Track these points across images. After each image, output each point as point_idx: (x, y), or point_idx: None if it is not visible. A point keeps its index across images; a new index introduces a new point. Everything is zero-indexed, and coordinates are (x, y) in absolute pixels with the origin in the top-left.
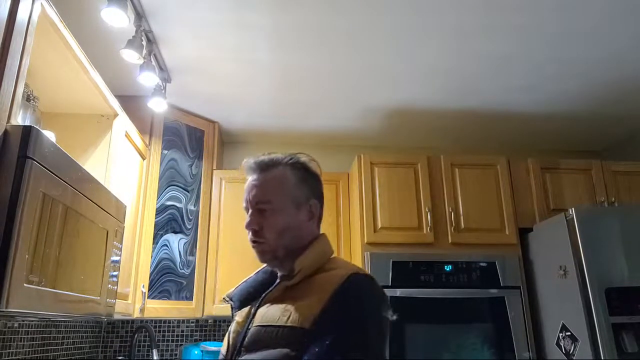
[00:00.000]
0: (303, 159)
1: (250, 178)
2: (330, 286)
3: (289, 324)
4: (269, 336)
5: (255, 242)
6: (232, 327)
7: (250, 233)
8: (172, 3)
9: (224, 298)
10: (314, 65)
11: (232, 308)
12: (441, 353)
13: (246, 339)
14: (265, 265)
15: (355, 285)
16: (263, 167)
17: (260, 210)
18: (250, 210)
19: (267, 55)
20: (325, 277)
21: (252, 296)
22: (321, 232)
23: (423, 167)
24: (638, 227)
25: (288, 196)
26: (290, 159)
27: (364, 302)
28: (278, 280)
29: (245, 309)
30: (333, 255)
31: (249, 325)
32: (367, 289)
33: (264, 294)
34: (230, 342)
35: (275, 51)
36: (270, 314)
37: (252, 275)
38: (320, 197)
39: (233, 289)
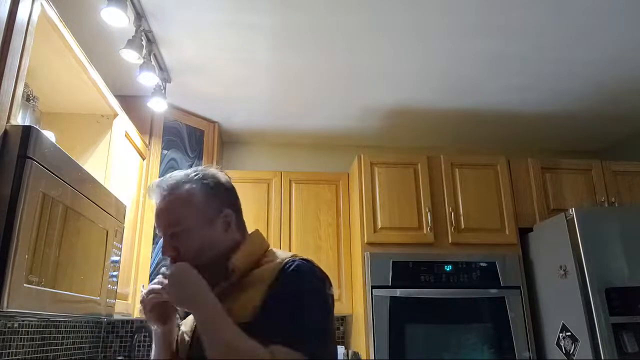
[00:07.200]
0: (208, 171)
1: (157, 203)
2: (268, 276)
3: None
4: None
5: None
6: (179, 336)
7: (170, 261)
8: (171, 3)
9: None
10: (313, 65)
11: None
12: (441, 353)
13: (193, 346)
14: None
15: (292, 270)
16: (168, 190)
17: (173, 235)
18: (163, 237)
19: (267, 56)
20: (262, 269)
21: None
22: (251, 231)
23: (423, 167)
24: (638, 227)
25: (198, 213)
26: (195, 175)
27: (304, 286)
28: (218, 284)
29: (190, 318)
30: (270, 249)
31: (195, 332)
32: (305, 272)
33: None
34: (180, 350)
35: (275, 51)
36: None
37: None
38: (233, 206)
39: None
